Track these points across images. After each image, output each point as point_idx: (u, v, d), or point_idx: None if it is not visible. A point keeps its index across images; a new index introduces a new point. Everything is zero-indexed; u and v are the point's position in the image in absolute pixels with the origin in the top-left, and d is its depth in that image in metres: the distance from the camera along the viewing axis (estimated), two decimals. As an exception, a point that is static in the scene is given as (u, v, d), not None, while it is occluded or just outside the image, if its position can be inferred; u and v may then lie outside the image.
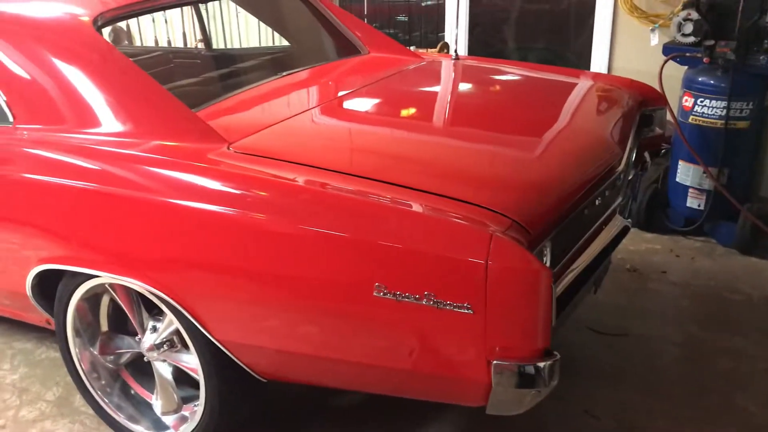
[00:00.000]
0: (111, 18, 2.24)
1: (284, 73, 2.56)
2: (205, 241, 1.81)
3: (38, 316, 2.34)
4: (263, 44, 4.59)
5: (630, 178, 2.33)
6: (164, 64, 3.18)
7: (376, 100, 2.46)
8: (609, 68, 4.07)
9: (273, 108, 2.29)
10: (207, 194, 1.80)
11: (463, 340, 1.58)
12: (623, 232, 2.17)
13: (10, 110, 2.12)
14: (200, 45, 5.00)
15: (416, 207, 1.63)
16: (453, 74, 2.79)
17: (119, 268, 1.96)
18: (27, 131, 2.10)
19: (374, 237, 1.61)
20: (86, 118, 2.03)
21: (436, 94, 2.65)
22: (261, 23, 4.58)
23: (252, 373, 1.93)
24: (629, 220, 2.26)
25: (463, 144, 2.12)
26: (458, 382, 1.64)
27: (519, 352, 1.55)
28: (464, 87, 2.78)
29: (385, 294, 1.58)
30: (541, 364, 1.55)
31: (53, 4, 2.26)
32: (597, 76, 2.97)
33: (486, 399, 1.61)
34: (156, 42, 5.04)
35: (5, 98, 2.13)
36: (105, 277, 2.01)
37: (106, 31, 3.11)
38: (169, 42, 5.04)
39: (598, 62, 4.14)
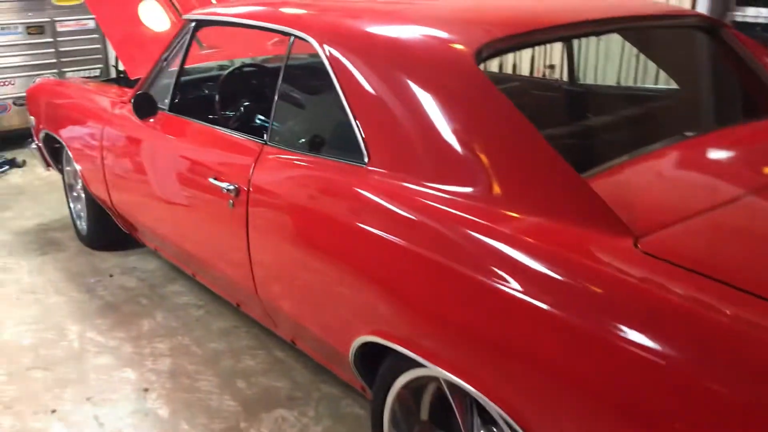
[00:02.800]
0: (496, 50, 1.85)
1: (690, 134, 1.94)
2: (577, 364, 1.31)
3: (353, 377, 2.06)
4: (622, 81, 3.99)
5: None
6: (519, 99, 2.76)
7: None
8: None
9: (687, 187, 1.70)
10: (593, 307, 1.30)
11: None
12: None
13: (367, 149, 1.84)
14: (547, 72, 4.56)
15: None
16: None
17: (454, 367, 1.56)
18: (378, 176, 1.80)
19: None
20: (449, 170, 1.66)
21: None
22: (623, 55, 3.97)
23: None
24: None
25: None
26: None
27: None
28: None
29: None
30: None
31: (429, 30, 1.93)
32: None
33: None
34: (500, 67, 4.70)
35: (363, 134, 1.85)
36: (435, 371, 1.62)
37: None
38: (514, 67, 4.67)
39: None
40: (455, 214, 1.58)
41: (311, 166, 2.02)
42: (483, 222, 1.53)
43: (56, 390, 2.57)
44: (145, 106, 2.72)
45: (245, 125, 2.89)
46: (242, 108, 2.95)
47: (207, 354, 2.79)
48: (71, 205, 3.90)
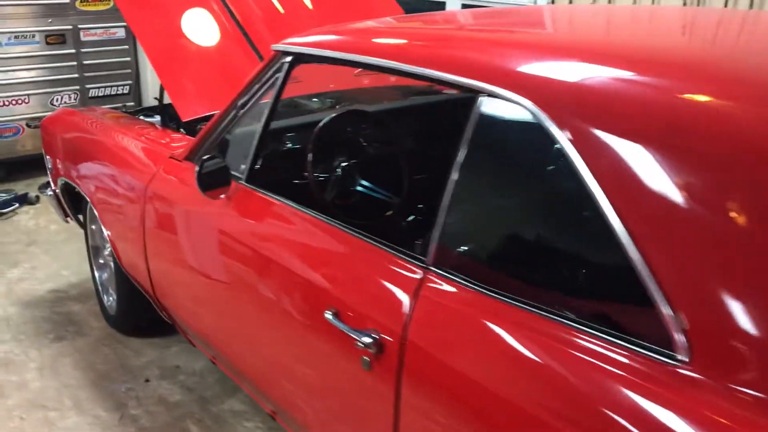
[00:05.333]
0: None
1: None
2: None
3: None
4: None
5: None
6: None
7: None
8: None
9: None
10: None
11: None
12: None
13: (686, 336, 0.96)
14: None
15: None
16: None
17: None
18: (718, 396, 0.91)
19: None
20: None
21: None
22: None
23: None
24: None
25: None
26: None
27: None
28: None
29: None
30: None
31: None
32: None
33: None
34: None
35: (677, 306, 0.97)
36: None
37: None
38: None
39: None
40: None
41: (541, 336, 1.13)
42: None
43: None
44: (213, 177, 1.84)
45: (375, 219, 1.88)
46: (365, 188, 1.97)
47: None
48: (96, 273, 3.03)
